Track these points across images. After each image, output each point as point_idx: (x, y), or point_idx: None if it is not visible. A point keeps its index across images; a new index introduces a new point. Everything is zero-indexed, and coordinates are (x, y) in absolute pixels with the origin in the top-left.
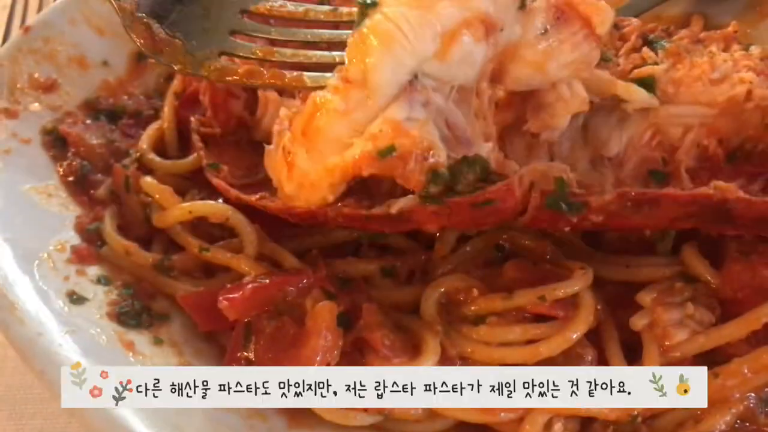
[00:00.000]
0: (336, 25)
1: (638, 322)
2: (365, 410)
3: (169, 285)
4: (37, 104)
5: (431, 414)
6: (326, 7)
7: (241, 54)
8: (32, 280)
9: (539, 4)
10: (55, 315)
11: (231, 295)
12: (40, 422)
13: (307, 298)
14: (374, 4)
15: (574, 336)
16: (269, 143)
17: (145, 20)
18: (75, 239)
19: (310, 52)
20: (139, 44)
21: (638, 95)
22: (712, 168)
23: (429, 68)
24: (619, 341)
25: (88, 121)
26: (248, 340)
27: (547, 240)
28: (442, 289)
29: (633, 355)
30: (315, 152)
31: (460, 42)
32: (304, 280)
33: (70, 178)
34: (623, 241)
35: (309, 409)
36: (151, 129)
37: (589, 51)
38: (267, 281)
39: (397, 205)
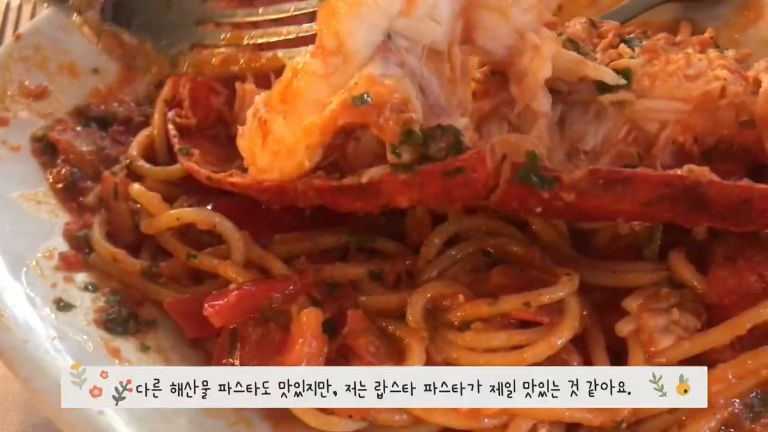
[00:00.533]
0: None
1: (624, 327)
2: (350, 416)
3: (157, 292)
4: (27, 112)
5: (415, 420)
6: None
7: (211, 43)
8: (20, 287)
9: None
10: (42, 322)
11: (216, 302)
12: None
13: (293, 304)
14: None
15: (559, 342)
16: None
17: (112, 30)
18: (63, 246)
19: (280, 29)
20: (111, 57)
21: (608, 75)
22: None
23: (398, 26)
24: (606, 347)
25: (79, 128)
26: (234, 346)
27: (535, 246)
28: (429, 295)
29: (619, 361)
30: (293, 116)
31: None
32: (291, 287)
33: (60, 185)
34: (610, 246)
35: (293, 416)
36: (141, 136)
37: None
38: (253, 288)
39: (368, 174)
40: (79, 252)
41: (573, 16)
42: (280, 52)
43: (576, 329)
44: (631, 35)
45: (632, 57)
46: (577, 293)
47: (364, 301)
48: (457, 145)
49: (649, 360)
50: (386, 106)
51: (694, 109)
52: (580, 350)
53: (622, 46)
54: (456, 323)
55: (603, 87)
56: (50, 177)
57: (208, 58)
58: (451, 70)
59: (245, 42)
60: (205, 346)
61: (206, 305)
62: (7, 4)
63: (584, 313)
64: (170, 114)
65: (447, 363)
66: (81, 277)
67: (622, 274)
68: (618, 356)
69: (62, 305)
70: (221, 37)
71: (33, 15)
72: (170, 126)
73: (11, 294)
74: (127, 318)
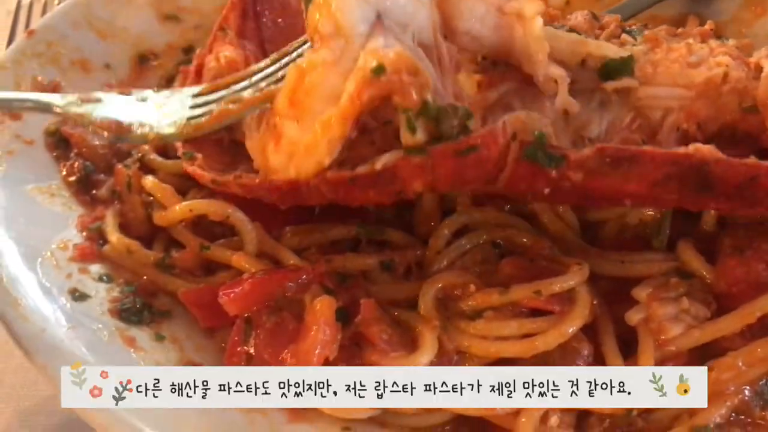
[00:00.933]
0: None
1: (634, 316)
2: None
3: (171, 282)
4: None
5: (426, 411)
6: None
7: (205, 112)
8: (35, 277)
9: None
10: (58, 311)
11: (231, 291)
12: (43, 419)
13: (307, 293)
14: None
15: (570, 330)
16: None
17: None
18: (77, 238)
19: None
20: (104, 135)
21: (611, 50)
22: None
23: (386, 3)
24: (615, 336)
25: None
26: (248, 334)
27: (544, 237)
28: (440, 285)
29: (629, 350)
30: (308, 116)
31: None
32: (303, 276)
33: (73, 178)
34: (618, 237)
35: None
36: None
37: None
38: (266, 277)
39: (382, 161)
40: (93, 243)
41: (581, 8)
42: (262, 85)
43: (586, 318)
44: (633, 27)
45: (634, 45)
46: (587, 282)
47: (376, 291)
48: (468, 122)
49: (660, 348)
50: (403, 70)
51: (697, 96)
52: (590, 339)
53: (624, 35)
54: (467, 312)
55: (606, 74)
56: (63, 170)
57: (204, 122)
58: (440, 61)
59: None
60: (220, 335)
61: (221, 293)
62: (18, 2)
63: (594, 302)
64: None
65: (459, 351)
66: (95, 268)
67: (631, 264)
68: (627, 345)
69: (77, 295)
70: (213, 106)
71: (44, 12)
72: None
73: (27, 284)
74: (141, 308)
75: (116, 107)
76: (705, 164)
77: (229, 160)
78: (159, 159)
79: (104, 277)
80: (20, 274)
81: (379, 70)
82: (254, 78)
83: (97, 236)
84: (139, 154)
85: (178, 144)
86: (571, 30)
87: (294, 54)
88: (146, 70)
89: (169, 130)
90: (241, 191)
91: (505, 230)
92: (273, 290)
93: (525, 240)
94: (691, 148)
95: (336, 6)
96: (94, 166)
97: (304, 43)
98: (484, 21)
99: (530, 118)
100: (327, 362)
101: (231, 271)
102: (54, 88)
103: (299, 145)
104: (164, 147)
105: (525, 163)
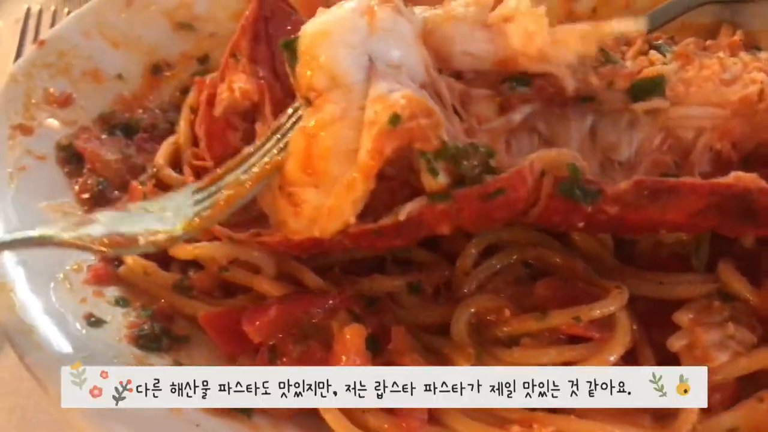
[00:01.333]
0: None
1: (676, 342)
2: None
3: (189, 305)
4: (52, 119)
5: None
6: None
7: (211, 203)
8: (49, 301)
9: None
10: (73, 339)
11: (255, 317)
12: None
13: (334, 320)
14: (295, 38)
15: (612, 358)
16: None
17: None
18: (92, 259)
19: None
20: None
21: (626, 24)
22: (725, 173)
23: (373, 46)
24: (656, 363)
25: (104, 136)
26: (273, 363)
27: (578, 257)
28: (472, 310)
29: None
30: (327, 180)
31: (379, 12)
32: (330, 302)
33: (86, 195)
34: (653, 255)
35: None
36: (167, 144)
37: None
38: (292, 303)
39: (405, 211)
40: (108, 265)
41: (608, 19)
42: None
43: (627, 344)
44: (659, 41)
45: (664, 63)
46: (626, 306)
47: (405, 315)
48: (491, 161)
49: None
50: (418, 114)
51: (732, 114)
52: (630, 365)
53: (653, 52)
54: (503, 338)
55: (636, 94)
56: (76, 187)
57: (212, 214)
58: (440, 98)
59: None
60: (241, 361)
61: (245, 320)
62: (27, 10)
63: (634, 327)
64: (187, 154)
65: None
66: (111, 291)
67: (670, 286)
68: None
69: (93, 321)
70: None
71: (53, 21)
72: (186, 170)
73: (40, 309)
74: (160, 334)
75: (114, 223)
76: (748, 194)
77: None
78: (174, 175)
79: (120, 301)
80: (33, 299)
81: (395, 119)
82: (252, 159)
83: (113, 257)
84: (154, 169)
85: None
86: (600, 49)
87: (289, 123)
88: (160, 80)
89: (178, 230)
90: (258, 248)
91: (535, 249)
92: (299, 316)
93: (557, 260)
94: (732, 177)
95: (326, 58)
96: (107, 182)
97: (296, 110)
98: (475, 36)
99: (561, 154)
100: None
101: (251, 293)
102: (65, 100)
103: (322, 209)
104: (179, 160)
105: (559, 198)
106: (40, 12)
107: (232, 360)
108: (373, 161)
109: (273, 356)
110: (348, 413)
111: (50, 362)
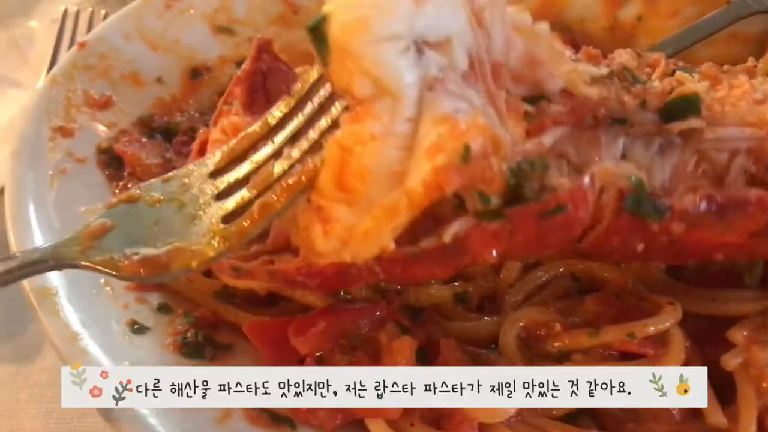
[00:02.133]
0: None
1: (731, 361)
2: None
3: (233, 313)
4: (92, 122)
5: None
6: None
7: (240, 205)
8: (93, 307)
9: None
10: (118, 346)
11: (303, 329)
12: None
13: (381, 332)
14: (322, 19)
15: None
16: None
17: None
18: None
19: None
20: (132, 281)
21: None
22: None
23: (420, 25)
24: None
25: (144, 140)
26: None
27: (627, 272)
28: (522, 324)
29: (725, 397)
30: (363, 201)
31: None
32: (378, 313)
33: None
34: (704, 270)
35: None
36: None
37: None
38: (340, 314)
39: (451, 231)
40: None
41: (653, 27)
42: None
43: (682, 362)
44: (678, 65)
45: (693, 84)
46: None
47: (452, 328)
48: (543, 183)
49: (762, 397)
50: (489, 151)
51: (767, 134)
52: None
53: (679, 73)
54: (554, 354)
55: (669, 115)
56: (117, 190)
57: (245, 223)
58: (489, 93)
59: (272, 178)
60: None
61: (292, 331)
62: (65, 11)
63: (687, 344)
64: None
65: None
66: (153, 298)
67: (723, 303)
68: (722, 391)
69: (137, 328)
70: (242, 196)
71: (91, 21)
72: None
73: (86, 315)
74: (203, 343)
75: (129, 226)
76: None
77: None
78: None
79: (163, 308)
80: (77, 305)
81: (467, 154)
82: (277, 140)
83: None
84: None
85: None
86: (625, 67)
87: (324, 121)
88: (199, 84)
89: (209, 249)
90: (269, 279)
91: (583, 262)
92: (347, 327)
93: (606, 274)
94: None
95: (371, 59)
96: None
97: (333, 100)
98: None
99: (620, 167)
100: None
101: (294, 302)
102: (105, 103)
103: (356, 231)
104: None
105: (625, 215)
106: (78, 13)
107: None
108: (429, 196)
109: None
110: (394, 426)
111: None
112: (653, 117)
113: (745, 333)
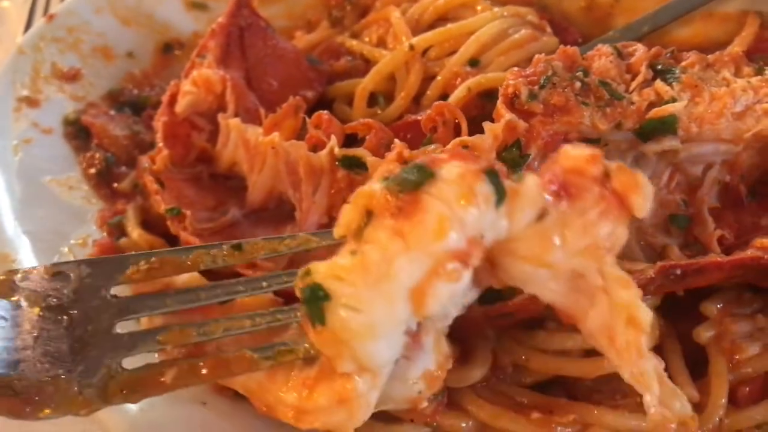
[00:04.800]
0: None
1: (703, 334)
2: (411, 420)
3: None
4: (60, 94)
5: (481, 427)
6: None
7: (150, 349)
8: None
9: (527, 186)
10: None
11: None
12: None
13: None
14: (325, 297)
15: None
16: (232, 174)
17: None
18: (97, 233)
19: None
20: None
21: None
22: (735, 206)
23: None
24: (683, 355)
25: (112, 112)
26: None
27: None
28: None
29: (698, 370)
30: None
31: (433, 294)
32: None
33: (93, 170)
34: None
35: None
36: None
37: (612, 230)
38: None
39: None
40: (113, 240)
41: (630, 6)
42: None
43: (656, 337)
44: (660, 57)
45: (673, 98)
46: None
47: None
48: None
49: (734, 370)
50: None
51: (744, 149)
52: None
53: (659, 83)
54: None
55: (645, 135)
56: (83, 162)
57: (154, 373)
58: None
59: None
60: None
61: None
62: None
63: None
64: (144, 162)
65: (515, 365)
66: None
67: None
68: (696, 365)
69: None
70: (159, 340)
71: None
72: (148, 178)
73: None
74: None
75: None
76: None
77: (214, 201)
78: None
79: None
80: None
81: None
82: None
83: (118, 232)
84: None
85: (157, 197)
86: (602, 81)
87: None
88: (170, 59)
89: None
90: None
91: None
92: None
93: None
94: (757, 243)
95: (367, 355)
96: (115, 157)
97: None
98: (541, 279)
99: None
100: None
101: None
102: (74, 76)
103: None
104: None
105: None
106: None
107: None
108: None
109: None
110: None
111: None
112: (629, 135)
113: (718, 306)
